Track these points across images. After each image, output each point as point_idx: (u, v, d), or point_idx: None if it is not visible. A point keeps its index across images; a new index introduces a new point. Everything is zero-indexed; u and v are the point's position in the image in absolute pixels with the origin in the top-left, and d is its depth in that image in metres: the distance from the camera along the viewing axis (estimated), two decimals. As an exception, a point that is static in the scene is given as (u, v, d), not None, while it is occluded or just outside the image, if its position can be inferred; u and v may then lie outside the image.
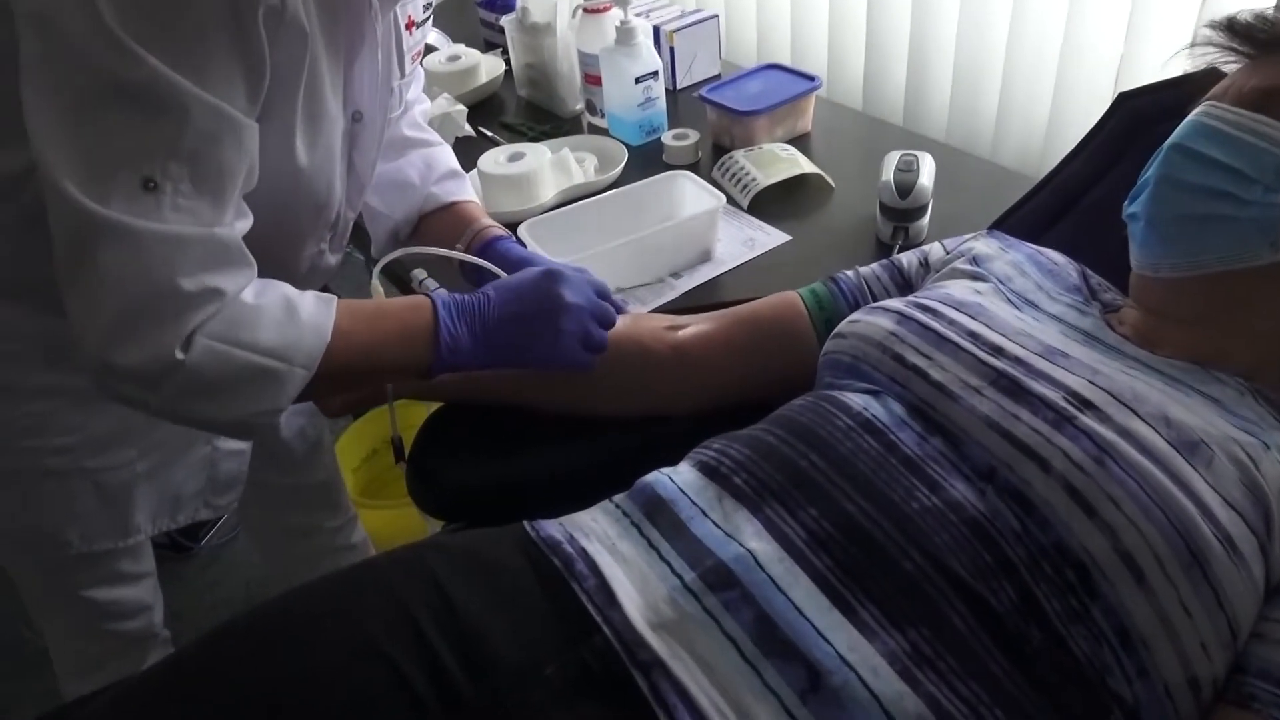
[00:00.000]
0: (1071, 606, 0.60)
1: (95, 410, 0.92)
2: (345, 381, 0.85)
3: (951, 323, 0.74)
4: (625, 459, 0.92)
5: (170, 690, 0.63)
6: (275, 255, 0.82)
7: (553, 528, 0.71)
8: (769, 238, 1.31)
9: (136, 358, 0.69)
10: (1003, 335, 0.73)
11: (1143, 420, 0.64)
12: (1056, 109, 1.56)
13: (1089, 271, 0.89)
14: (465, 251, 1.05)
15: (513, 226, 1.29)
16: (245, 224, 0.76)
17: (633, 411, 0.92)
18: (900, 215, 1.23)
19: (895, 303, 0.79)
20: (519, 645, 0.61)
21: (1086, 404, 0.65)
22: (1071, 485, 0.61)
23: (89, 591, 1.06)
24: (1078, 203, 1.03)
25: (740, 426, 0.79)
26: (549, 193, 1.38)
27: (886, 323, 0.76)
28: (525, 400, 0.93)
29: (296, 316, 0.75)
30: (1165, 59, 1.37)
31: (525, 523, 0.73)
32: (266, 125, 0.76)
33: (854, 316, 0.80)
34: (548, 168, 1.39)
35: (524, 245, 1.20)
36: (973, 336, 0.73)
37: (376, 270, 0.95)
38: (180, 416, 0.76)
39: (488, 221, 1.10)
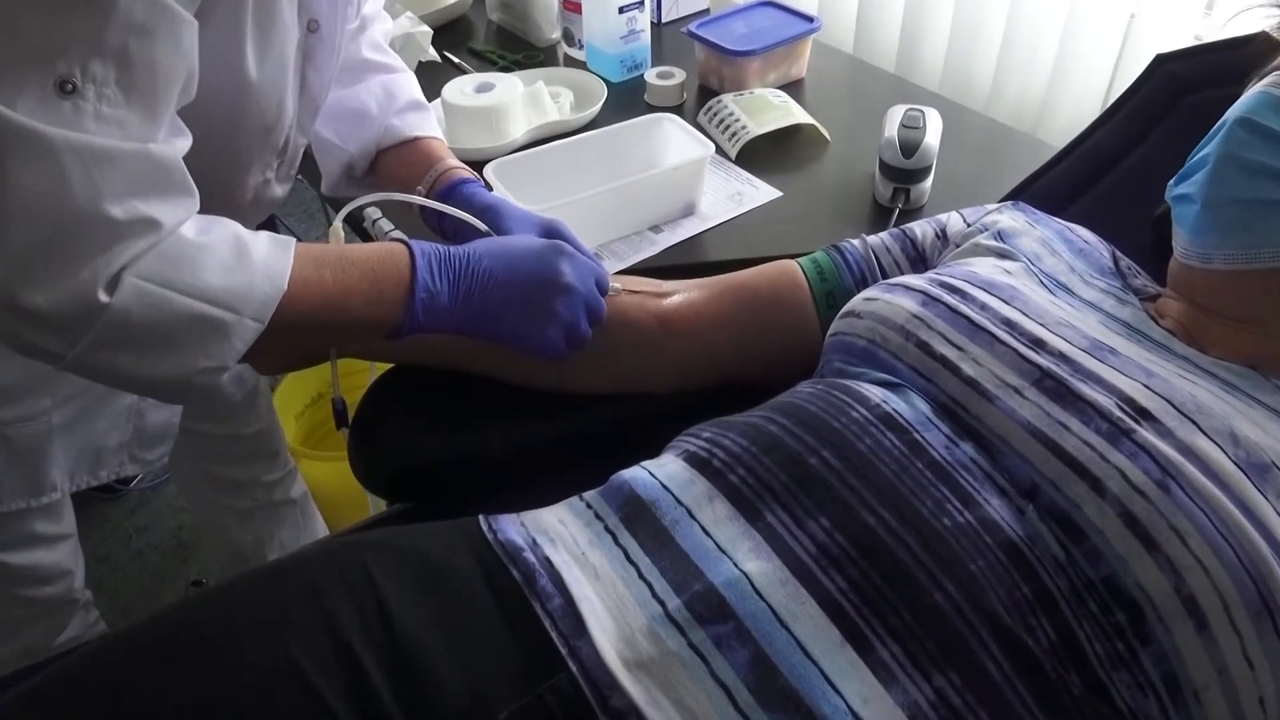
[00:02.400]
0: (1117, 651, 0.52)
1: (4, 356, 0.81)
2: (300, 338, 0.74)
3: (984, 307, 0.65)
4: (597, 439, 0.83)
5: (60, 710, 0.52)
6: (216, 182, 0.71)
7: (513, 529, 0.61)
8: (758, 192, 1.20)
9: (51, 298, 0.58)
10: (1041, 325, 0.64)
11: (1207, 436, 0.55)
12: (1060, 64, 1.47)
13: (1119, 253, 0.80)
14: (427, 194, 0.93)
15: (478, 166, 1.17)
16: (184, 143, 0.64)
17: (608, 387, 0.82)
18: (902, 176, 1.13)
19: (917, 280, 0.69)
20: (468, 681, 0.51)
21: (1144, 414, 0.56)
22: (1129, 513, 0.52)
23: (1, 555, 0.96)
24: (1105, 175, 0.94)
25: (727, 411, 0.69)
26: (519, 130, 1.26)
27: (909, 303, 0.66)
28: (488, 369, 0.82)
29: (248, 258, 0.64)
30: (1183, 17, 1.29)
31: (482, 518, 0.63)
32: (211, 29, 0.64)
33: (870, 293, 0.70)
34: (519, 102, 1.26)
35: (490, 189, 1.09)
36: (1008, 325, 0.63)
37: (340, 217, 0.83)
38: (100, 372, 0.64)
39: (453, 162, 0.98)
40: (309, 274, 0.67)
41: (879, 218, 1.14)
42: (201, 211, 0.67)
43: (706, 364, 0.81)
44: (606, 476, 0.67)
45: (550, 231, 0.83)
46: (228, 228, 0.65)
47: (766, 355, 0.81)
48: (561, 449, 0.82)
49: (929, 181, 1.15)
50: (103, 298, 0.59)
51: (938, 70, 1.66)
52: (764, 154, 1.26)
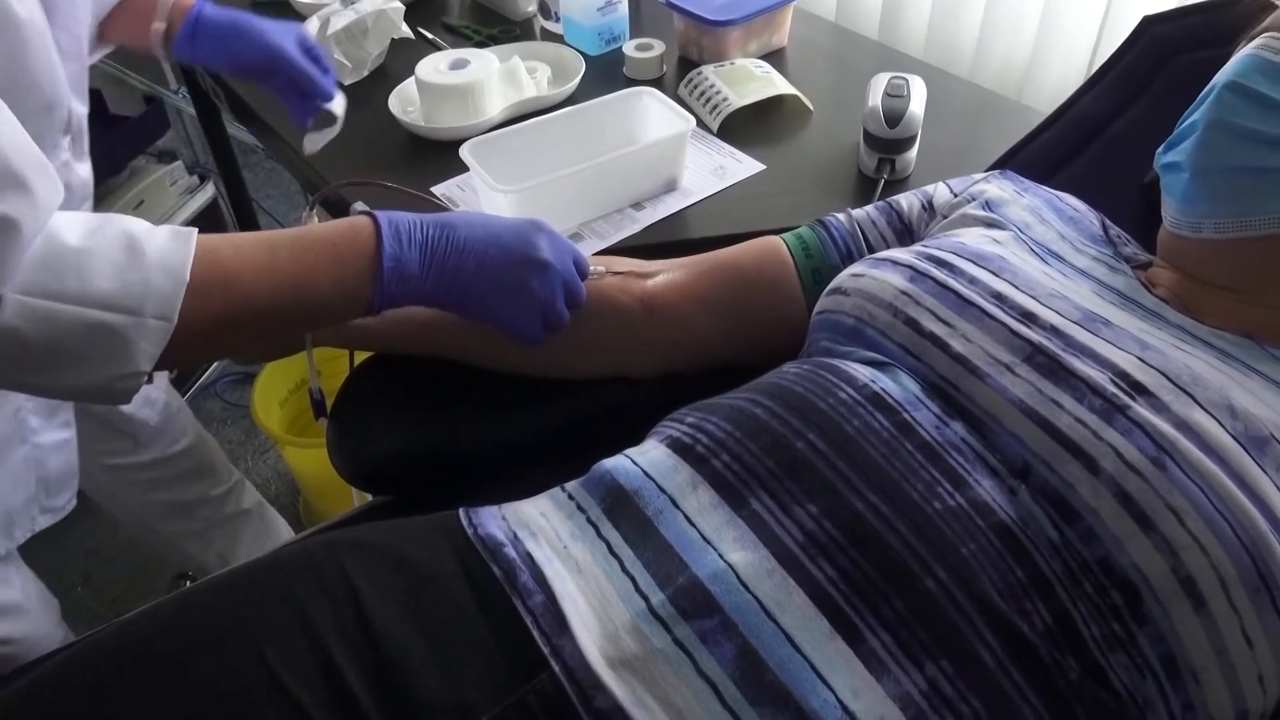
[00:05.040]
0: (1114, 632, 0.51)
1: None
2: (271, 327, 0.69)
3: (973, 281, 0.63)
4: (580, 426, 0.81)
5: None
6: None
7: (493, 523, 0.60)
8: (741, 166, 1.18)
9: None
10: (1032, 297, 0.62)
11: (1203, 409, 0.54)
12: (1045, 27, 1.46)
13: (1108, 221, 0.78)
14: (168, 36, 0.96)
15: (454, 144, 1.15)
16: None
17: (591, 372, 0.81)
18: (887, 146, 1.11)
19: (904, 254, 0.67)
20: (450, 684, 0.50)
21: (1138, 388, 0.55)
22: (1124, 491, 0.51)
23: None
24: (1092, 141, 0.92)
25: (713, 394, 0.68)
26: (496, 107, 1.23)
27: (896, 279, 0.65)
28: (468, 355, 0.80)
29: (141, 256, 0.60)
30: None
31: (462, 511, 0.62)
32: None
33: (856, 269, 0.68)
34: (495, 78, 1.23)
35: (466, 168, 1.06)
36: (998, 298, 0.62)
37: (312, 204, 0.80)
38: (23, 388, 0.62)
39: None
40: (261, 259, 0.65)
41: (865, 189, 1.12)
42: None
43: (691, 346, 0.80)
44: (590, 464, 0.65)
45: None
46: (117, 225, 0.62)
47: (753, 335, 0.79)
48: (544, 437, 0.81)
49: (914, 151, 1.13)
50: None
51: (921, 36, 1.64)
52: (746, 126, 1.23)
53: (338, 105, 1.07)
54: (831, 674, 0.48)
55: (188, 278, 0.62)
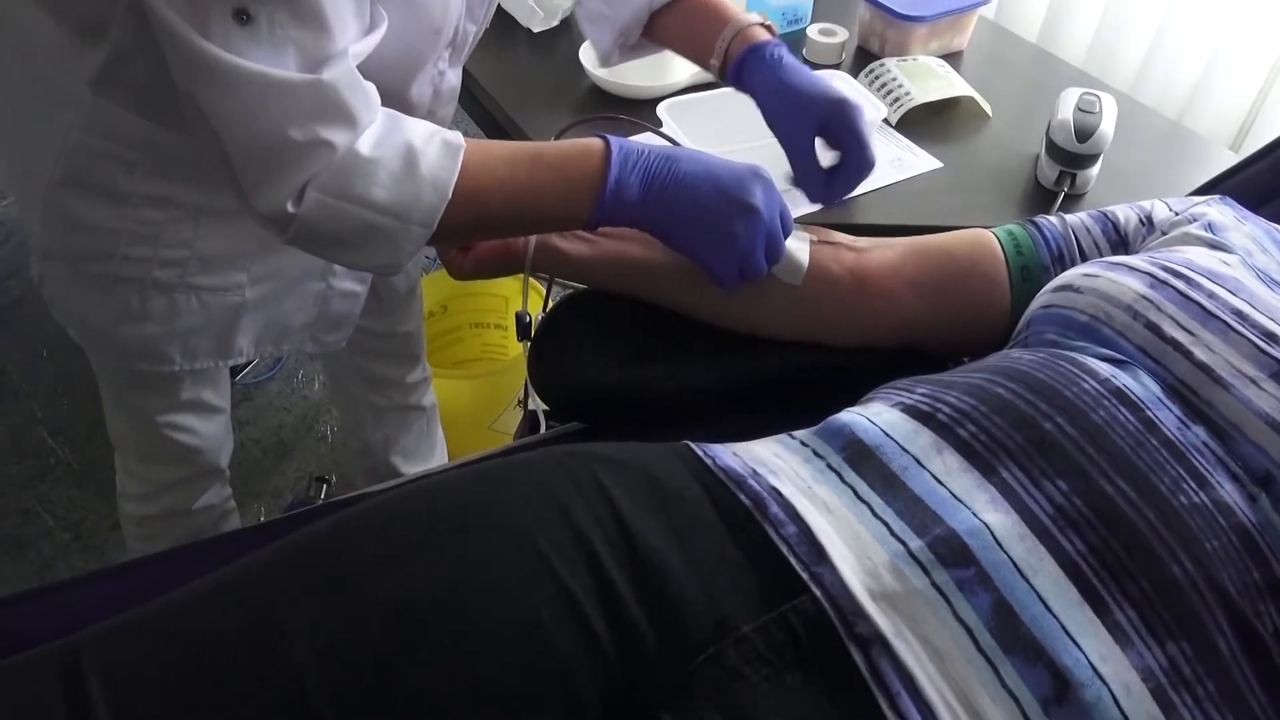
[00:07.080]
0: None
1: (206, 228, 0.88)
2: (498, 231, 0.80)
3: (1212, 295, 0.65)
4: (779, 386, 0.84)
5: (300, 595, 0.53)
6: (389, 89, 0.76)
7: (727, 457, 0.62)
8: (918, 160, 1.19)
9: (258, 204, 0.69)
10: (1272, 319, 0.63)
11: None
12: (1218, 55, 1.45)
13: (1320, 260, 0.79)
14: (722, 63, 0.88)
15: (636, 103, 1.18)
16: (372, 38, 0.70)
17: (792, 334, 0.83)
18: (1072, 160, 1.12)
19: (1140, 261, 0.69)
20: (706, 594, 0.53)
21: None
22: None
23: (168, 416, 1.04)
24: (1300, 180, 0.93)
25: (907, 373, 0.70)
26: (683, 73, 1.26)
27: (1136, 284, 0.66)
28: (675, 300, 0.84)
29: (415, 170, 0.70)
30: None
31: (691, 444, 0.65)
32: None
33: (1089, 269, 0.70)
34: (684, 44, 1.26)
35: (644, 127, 1.09)
36: (1239, 316, 0.63)
37: (559, 136, 0.84)
38: (314, 255, 0.78)
39: (749, 17, 0.88)
40: (503, 173, 0.74)
41: (1043, 200, 1.14)
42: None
43: (895, 325, 0.82)
44: (780, 420, 0.68)
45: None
46: (401, 136, 0.71)
47: (955, 322, 0.81)
48: (739, 391, 0.84)
49: (1096, 168, 1.14)
50: (290, 209, 0.68)
51: (1083, 46, 1.64)
52: (922, 123, 1.25)
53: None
54: (1081, 637, 0.50)
55: (450, 194, 0.71)
